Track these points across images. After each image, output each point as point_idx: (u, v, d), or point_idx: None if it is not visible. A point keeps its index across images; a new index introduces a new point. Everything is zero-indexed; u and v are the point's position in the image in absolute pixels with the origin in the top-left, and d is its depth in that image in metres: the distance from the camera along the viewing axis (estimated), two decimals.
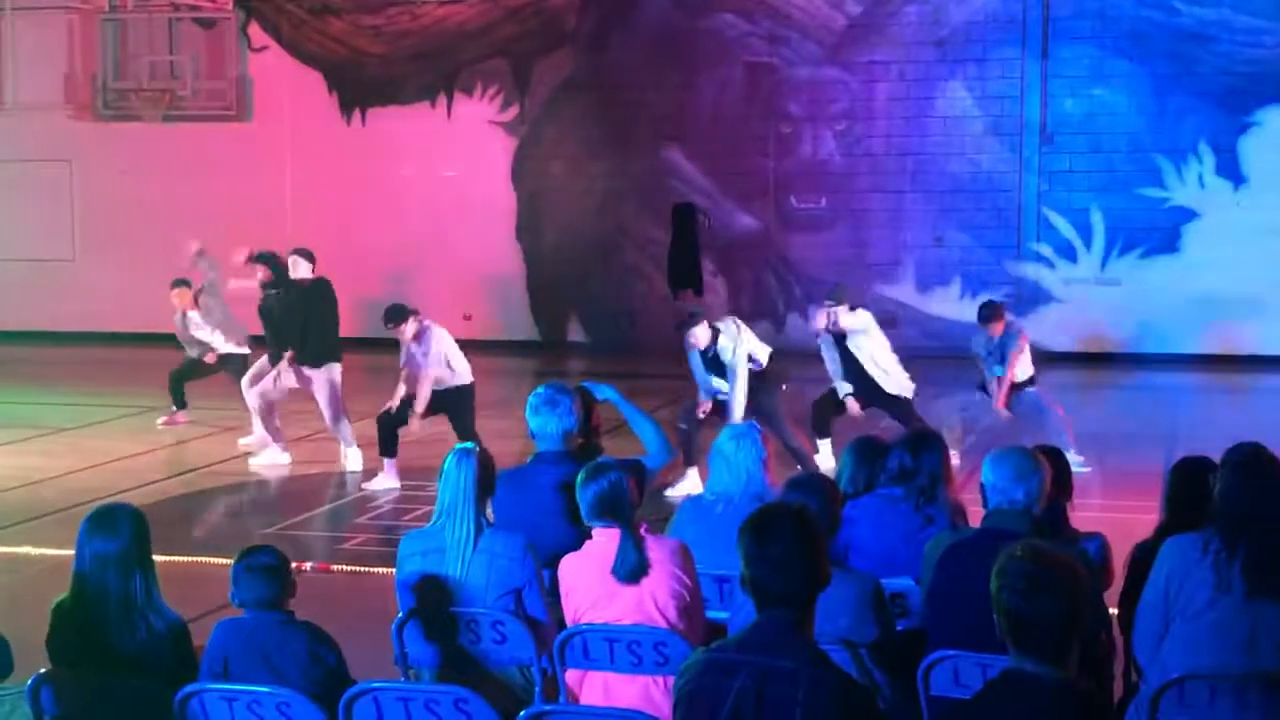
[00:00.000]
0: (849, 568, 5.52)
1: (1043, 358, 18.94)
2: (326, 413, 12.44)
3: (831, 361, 12.08)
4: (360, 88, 21.37)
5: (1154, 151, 19.02)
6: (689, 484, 10.95)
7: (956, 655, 4.87)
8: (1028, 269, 19.48)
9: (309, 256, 12.52)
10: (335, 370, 12.38)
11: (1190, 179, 18.97)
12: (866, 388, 11.95)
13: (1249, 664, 4.78)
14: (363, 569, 9.36)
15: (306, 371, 12.37)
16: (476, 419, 11.75)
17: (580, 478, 5.51)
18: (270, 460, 12.58)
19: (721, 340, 11.25)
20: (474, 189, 20.82)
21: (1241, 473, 5.04)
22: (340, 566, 9.44)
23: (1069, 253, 19.39)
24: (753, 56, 20.12)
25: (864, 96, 19.82)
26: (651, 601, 5.30)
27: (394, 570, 5.79)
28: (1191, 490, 5.78)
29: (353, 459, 12.33)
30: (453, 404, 11.70)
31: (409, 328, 11.62)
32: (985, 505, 5.31)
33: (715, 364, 11.26)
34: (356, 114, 21.40)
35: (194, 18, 21.76)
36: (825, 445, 12.03)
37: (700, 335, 11.25)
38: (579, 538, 5.60)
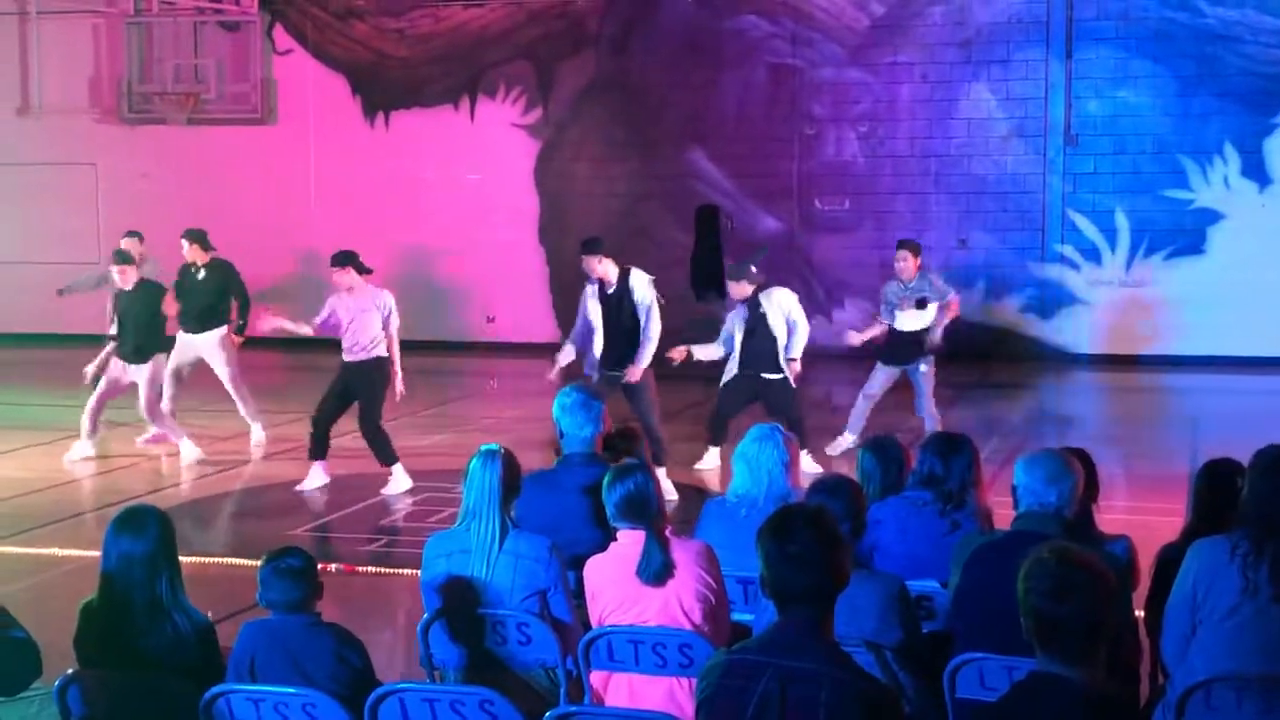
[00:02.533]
0: (874, 570, 5.51)
1: (1067, 360, 18.98)
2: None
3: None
4: (384, 90, 21.42)
5: (1179, 153, 18.95)
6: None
7: (982, 657, 4.86)
8: (1052, 271, 19.42)
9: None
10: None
11: (1215, 180, 18.90)
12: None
13: (1276, 667, 4.76)
14: (388, 570, 9.37)
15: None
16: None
17: (606, 479, 5.52)
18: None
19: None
20: (497, 191, 20.85)
21: (1270, 475, 5.02)
22: (366, 568, 9.46)
23: (1094, 255, 19.33)
24: (776, 58, 20.11)
25: (888, 98, 19.79)
26: (677, 603, 5.30)
27: (419, 572, 5.80)
28: (1219, 493, 5.76)
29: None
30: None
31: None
32: (1016, 507, 5.30)
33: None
34: (380, 117, 21.45)
35: (219, 21, 21.84)
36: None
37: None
38: (605, 539, 5.60)
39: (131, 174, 21.82)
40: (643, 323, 11.18)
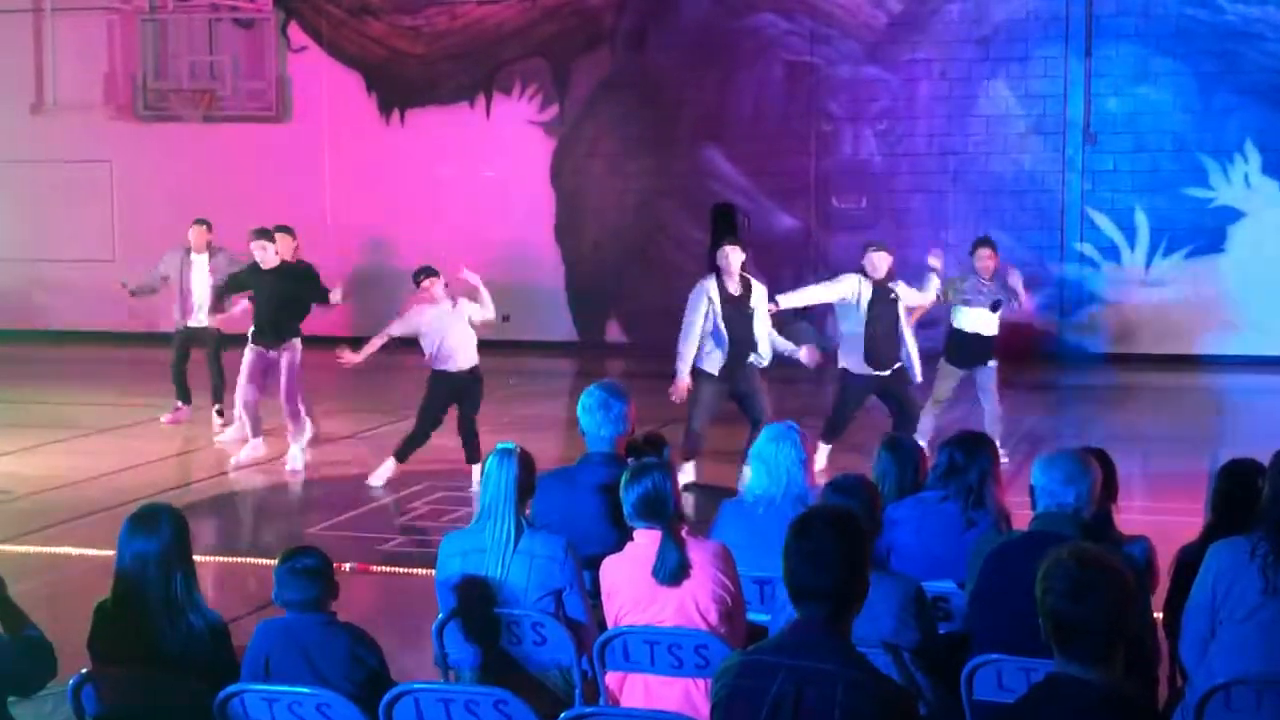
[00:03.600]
0: (891, 570, 5.51)
1: (1087, 359, 18.94)
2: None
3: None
4: (399, 88, 21.44)
5: (1199, 151, 18.90)
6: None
7: (1000, 659, 4.86)
8: (1071, 270, 19.38)
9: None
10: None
11: (1236, 178, 18.85)
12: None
13: None
14: (403, 570, 9.38)
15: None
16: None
17: (624, 478, 5.52)
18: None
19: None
20: (513, 189, 20.85)
21: None
22: (380, 567, 9.47)
23: (1113, 253, 19.29)
24: (793, 55, 20.09)
25: (905, 95, 19.77)
26: (693, 603, 5.30)
27: (434, 571, 5.81)
28: (1239, 493, 5.75)
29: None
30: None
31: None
32: (1034, 508, 5.29)
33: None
34: (395, 114, 21.47)
35: (234, 18, 21.88)
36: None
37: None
38: (621, 539, 5.60)
39: (146, 171, 21.85)
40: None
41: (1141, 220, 19.14)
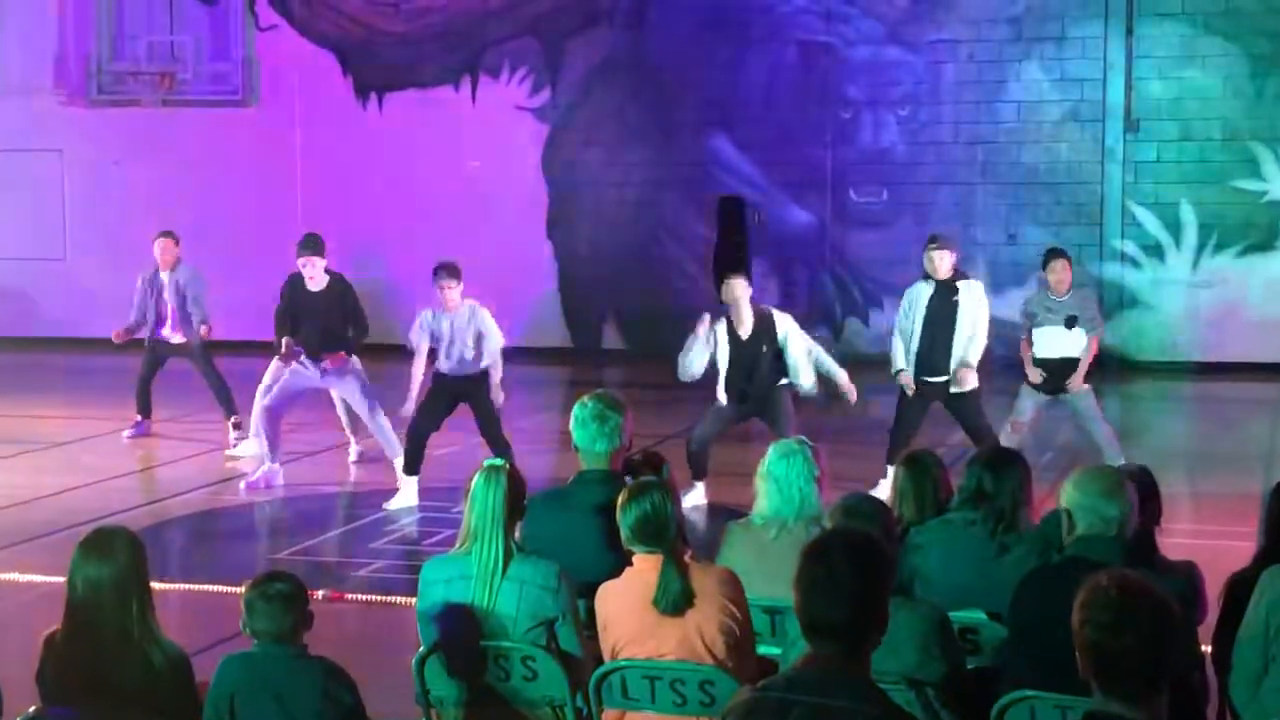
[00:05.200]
0: (914, 598, 5.51)
1: (1128, 366, 18.94)
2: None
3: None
4: (377, 70, 21.45)
5: (1250, 139, 18.91)
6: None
7: (1034, 696, 4.86)
8: (1111, 269, 19.40)
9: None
10: None
11: None
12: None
13: None
14: (381, 598, 9.38)
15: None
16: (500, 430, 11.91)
17: (621, 499, 5.52)
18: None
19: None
20: (501, 180, 20.87)
21: None
22: (356, 595, 9.47)
23: (1157, 251, 19.30)
24: (807, 35, 20.11)
25: (930, 79, 19.79)
26: (697, 635, 5.31)
27: (415, 599, 5.81)
28: None
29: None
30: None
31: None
32: (1069, 531, 5.29)
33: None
34: (373, 98, 21.49)
35: None
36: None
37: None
38: (619, 565, 5.61)
39: (101, 161, 21.87)
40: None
41: (1188, 215, 19.16)
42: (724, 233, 20.08)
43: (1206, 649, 5.69)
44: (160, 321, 14.49)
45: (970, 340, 11.57)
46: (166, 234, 14.70)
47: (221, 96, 21.77)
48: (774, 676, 4.09)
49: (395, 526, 11.28)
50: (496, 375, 11.85)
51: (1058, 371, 11.97)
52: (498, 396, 11.87)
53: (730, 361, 11.45)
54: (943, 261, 11.60)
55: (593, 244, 20.79)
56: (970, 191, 19.74)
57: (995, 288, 19.43)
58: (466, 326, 11.81)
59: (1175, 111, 19.11)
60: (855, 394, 11.70)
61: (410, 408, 11.88)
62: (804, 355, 11.50)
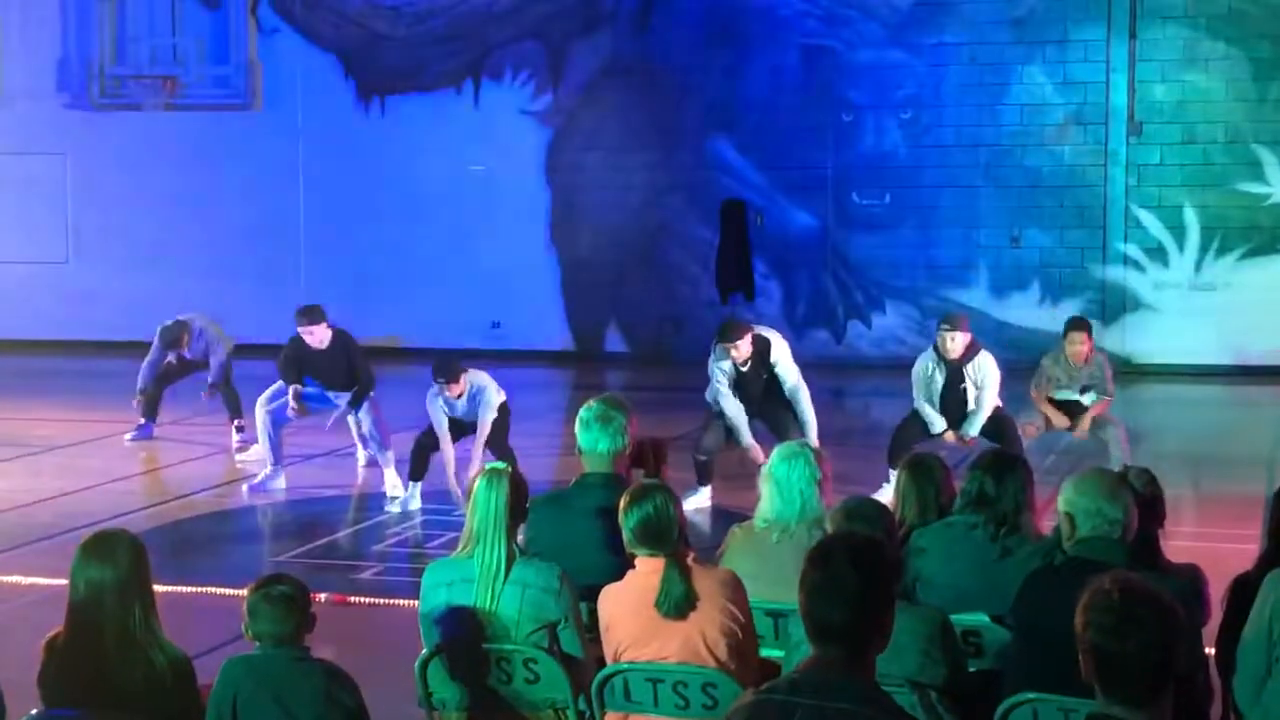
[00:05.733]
0: (916, 601, 5.51)
1: (1131, 370, 18.92)
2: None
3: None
4: (379, 73, 21.45)
5: (1254, 142, 18.90)
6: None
7: (1037, 699, 4.86)
8: (1114, 272, 19.39)
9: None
10: None
11: None
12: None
13: None
14: (383, 601, 9.38)
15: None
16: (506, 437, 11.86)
17: (623, 502, 5.52)
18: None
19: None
20: (503, 184, 20.87)
21: None
22: (358, 598, 9.47)
23: (1160, 255, 19.29)
24: (809, 38, 20.11)
25: (932, 82, 19.78)
26: (700, 638, 5.30)
27: (417, 602, 5.81)
28: None
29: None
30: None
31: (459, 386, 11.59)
32: (1068, 536, 5.28)
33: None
34: (375, 102, 21.49)
35: None
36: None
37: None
38: (621, 567, 5.60)
39: (104, 164, 21.87)
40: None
41: (1191, 218, 19.15)
42: (726, 235, 20.09)
43: (1210, 651, 5.69)
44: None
45: (978, 410, 11.63)
46: (179, 327, 14.41)
47: (224, 100, 21.78)
48: (777, 679, 4.08)
49: (398, 530, 11.29)
50: (482, 435, 11.53)
51: (1067, 410, 12.11)
52: (475, 459, 11.44)
53: (732, 386, 11.55)
54: (954, 343, 11.59)
55: (595, 247, 20.78)
56: (973, 194, 19.73)
57: (997, 291, 19.49)
58: (470, 409, 11.61)
59: (1178, 114, 19.09)
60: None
61: (453, 486, 11.60)
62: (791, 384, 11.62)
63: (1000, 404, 11.76)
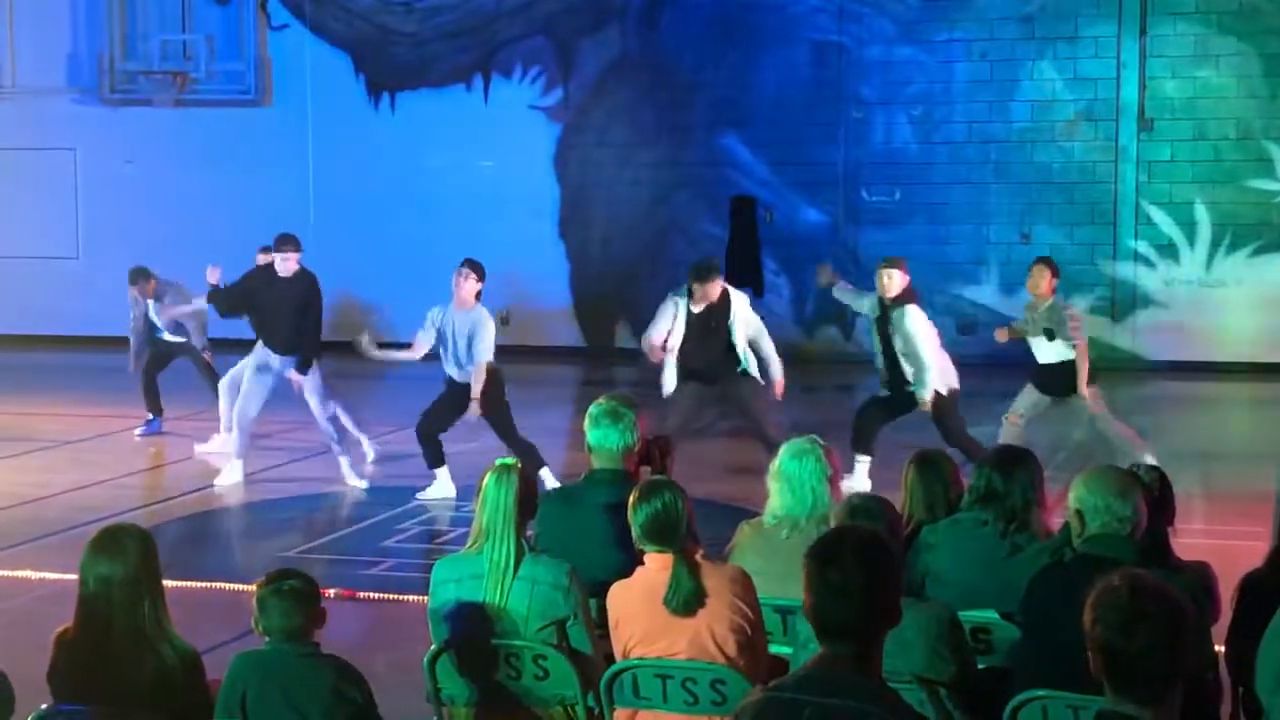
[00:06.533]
0: (924, 598, 5.50)
1: (1141, 367, 18.91)
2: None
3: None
4: (389, 69, 21.48)
5: (1265, 139, 18.88)
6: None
7: (1046, 696, 4.85)
8: (1125, 269, 19.37)
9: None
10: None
11: None
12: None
13: None
14: (392, 596, 9.39)
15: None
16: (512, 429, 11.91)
17: (632, 497, 5.52)
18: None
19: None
20: (513, 180, 20.88)
21: None
22: (367, 594, 9.47)
23: (1170, 251, 19.27)
24: (820, 34, 20.11)
25: (943, 78, 19.77)
26: (709, 634, 5.30)
27: (426, 598, 5.81)
28: None
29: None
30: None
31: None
32: (1077, 533, 5.28)
33: None
34: (385, 98, 21.51)
35: None
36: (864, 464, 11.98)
37: None
38: (630, 564, 5.60)
39: (114, 160, 21.91)
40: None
41: (1202, 215, 19.12)
42: (736, 231, 20.08)
43: (1220, 649, 5.68)
44: (157, 330, 14.62)
45: (920, 370, 11.73)
46: (142, 274, 14.61)
47: (234, 96, 21.80)
48: (786, 676, 4.08)
49: (406, 525, 11.29)
50: (476, 386, 11.61)
51: (1056, 374, 12.03)
52: (472, 408, 11.61)
53: (684, 336, 11.84)
54: (890, 281, 11.87)
55: (605, 243, 20.79)
56: (983, 191, 19.72)
57: (1008, 288, 19.46)
58: (465, 328, 11.69)
59: (1189, 111, 19.08)
60: (782, 389, 11.95)
61: (369, 348, 12.00)
62: (743, 338, 11.81)
63: (952, 389, 11.79)
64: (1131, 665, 3.69)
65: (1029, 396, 12.21)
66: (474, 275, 11.81)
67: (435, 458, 11.85)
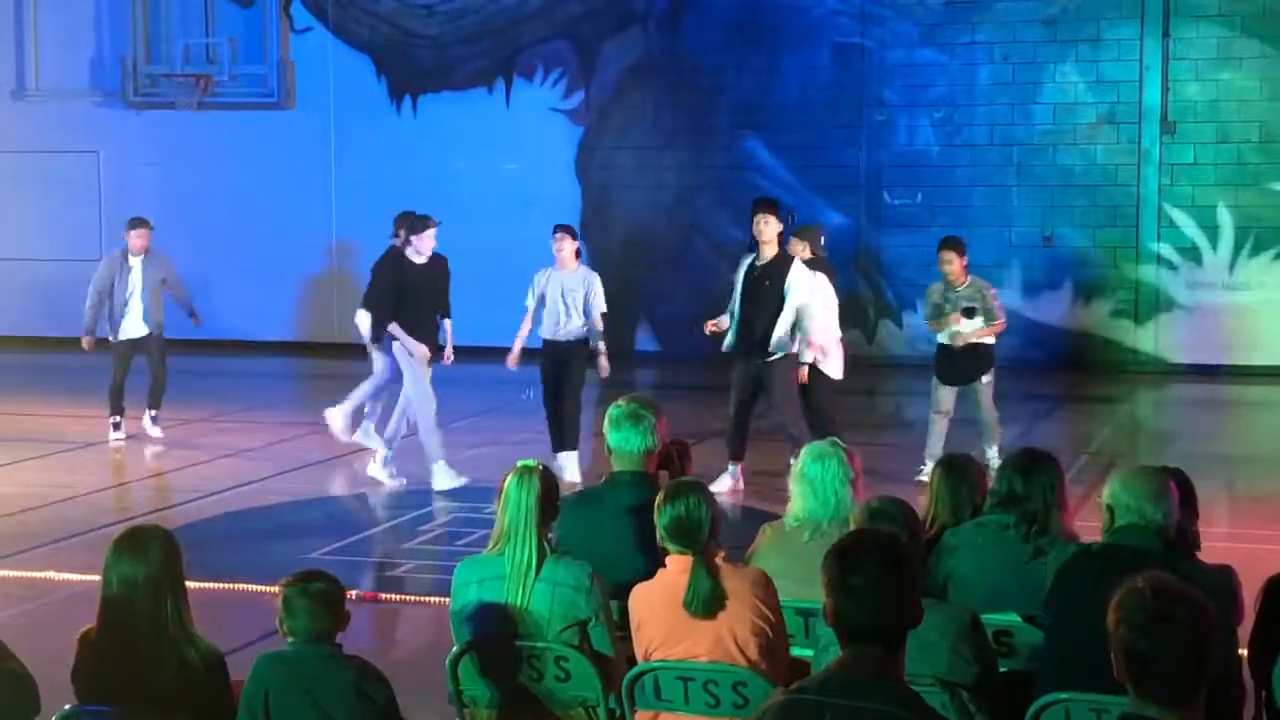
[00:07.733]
0: (946, 600, 5.49)
1: (1164, 370, 18.86)
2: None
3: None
4: (411, 72, 21.50)
5: None
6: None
7: (1069, 698, 4.84)
8: (1147, 272, 19.31)
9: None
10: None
11: None
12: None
13: None
14: (414, 598, 9.40)
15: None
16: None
17: (659, 498, 5.52)
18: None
19: None
20: (534, 183, 20.89)
21: None
22: (390, 595, 9.49)
23: (1193, 254, 19.21)
24: (842, 37, 20.08)
25: (965, 81, 19.74)
26: (730, 636, 5.30)
27: (448, 600, 5.82)
28: None
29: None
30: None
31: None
32: (1106, 527, 5.27)
33: None
34: (407, 101, 21.54)
35: None
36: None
37: None
38: (651, 566, 5.60)
39: (137, 163, 21.96)
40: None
41: (1224, 218, 19.07)
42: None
43: (1244, 652, 5.66)
44: (117, 319, 14.49)
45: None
46: (140, 222, 14.82)
47: (257, 99, 21.84)
48: (807, 679, 4.08)
49: (429, 527, 11.31)
50: (601, 342, 12.45)
51: (964, 357, 12.05)
52: (601, 364, 12.44)
53: (741, 294, 12.08)
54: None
55: (626, 246, 20.79)
56: (1005, 194, 19.68)
57: (1030, 290, 19.42)
58: (577, 288, 12.40)
59: (1212, 113, 19.02)
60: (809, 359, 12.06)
61: (511, 361, 12.57)
62: (791, 310, 11.93)
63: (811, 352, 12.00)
64: (1155, 667, 3.68)
65: (944, 390, 12.27)
66: (569, 236, 12.61)
67: (571, 439, 12.26)
